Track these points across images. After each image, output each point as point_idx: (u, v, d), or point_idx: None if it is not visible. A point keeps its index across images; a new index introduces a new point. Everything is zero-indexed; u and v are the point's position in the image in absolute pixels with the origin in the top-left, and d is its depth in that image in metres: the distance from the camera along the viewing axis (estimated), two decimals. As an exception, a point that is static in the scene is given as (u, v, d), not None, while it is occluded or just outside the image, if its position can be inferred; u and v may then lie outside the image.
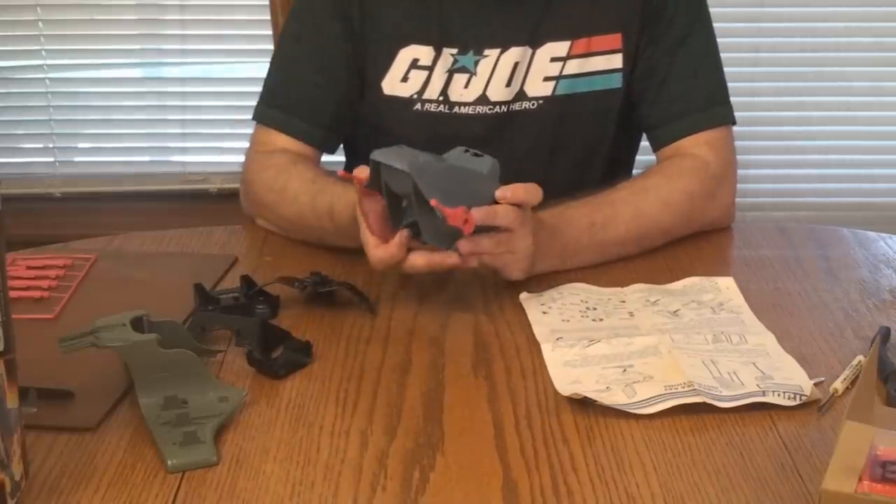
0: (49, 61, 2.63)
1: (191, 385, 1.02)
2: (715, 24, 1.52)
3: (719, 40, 1.52)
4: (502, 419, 1.02)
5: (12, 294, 0.90)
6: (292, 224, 1.43)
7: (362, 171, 1.20)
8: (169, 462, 0.94)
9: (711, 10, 1.51)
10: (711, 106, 1.49)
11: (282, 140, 1.49)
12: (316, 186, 1.38)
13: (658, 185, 1.42)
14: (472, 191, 1.19)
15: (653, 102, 1.50)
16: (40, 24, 2.60)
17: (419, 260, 1.21)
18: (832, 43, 2.62)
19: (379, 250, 1.21)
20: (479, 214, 1.17)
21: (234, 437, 1.00)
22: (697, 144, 1.46)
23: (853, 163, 2.69)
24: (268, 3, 2.49)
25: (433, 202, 1.14)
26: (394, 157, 1.17)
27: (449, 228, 1.15)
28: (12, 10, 2.59)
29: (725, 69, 1.52)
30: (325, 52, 1.50)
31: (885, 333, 1.16)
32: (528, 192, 1.22)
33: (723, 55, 1.51)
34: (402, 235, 1.19)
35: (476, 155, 1.22)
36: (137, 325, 1.05)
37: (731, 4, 2.54)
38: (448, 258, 1.20)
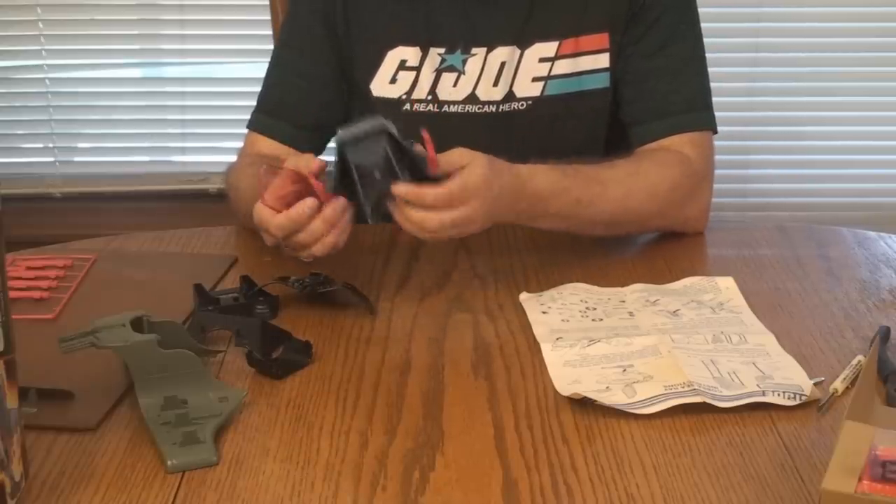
0: (49, 61, 2.63)
1: (190, 385, 1.02)
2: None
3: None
4: (502, 419, 1.02)
5: (12, 294, 0.90)
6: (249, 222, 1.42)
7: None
8: (169, 462, 0.94)
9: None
10: (692, 110, 1.48)
11: (261, 142, 1.51)
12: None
13: (648, 171, 1.42)
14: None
15: (632, 101, 1.50)
16: (40, 24, 2.60)
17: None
18: (832, 43, 2.62)
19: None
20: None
21: (234, 437, 1.00)
22: (681, 143, 1.46)
23: (853, 163, 2.69)
24: (267, 3, 2.51)
25: (424, 133, 1.18)
26: (357, 128, 1.19)
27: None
28: (12, 10, 2.59)
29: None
30: (307, 57, 1.51)
31: (884, 333, 1.16)
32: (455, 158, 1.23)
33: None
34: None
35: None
36: (137, 325, 1.05)
37: (732, 4, 2.53)
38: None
